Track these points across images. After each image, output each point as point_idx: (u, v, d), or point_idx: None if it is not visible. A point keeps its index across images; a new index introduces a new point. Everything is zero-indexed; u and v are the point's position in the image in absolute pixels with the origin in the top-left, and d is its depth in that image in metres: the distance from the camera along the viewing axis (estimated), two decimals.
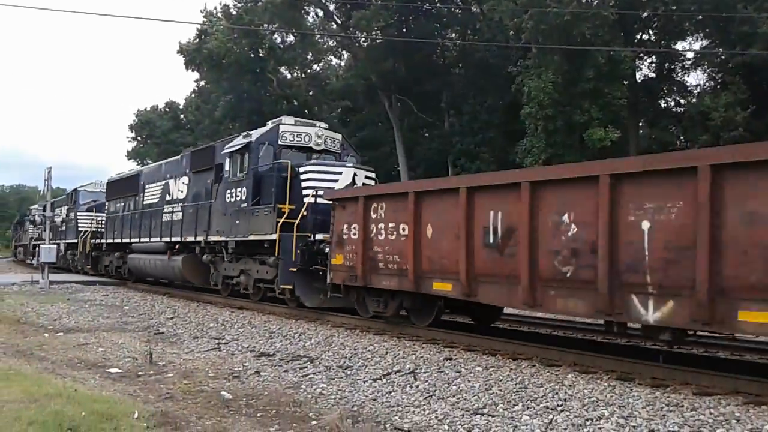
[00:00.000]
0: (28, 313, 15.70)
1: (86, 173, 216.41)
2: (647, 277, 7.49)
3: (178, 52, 42.76)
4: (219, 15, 43.21)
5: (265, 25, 41.25)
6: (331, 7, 39.93)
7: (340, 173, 14.85)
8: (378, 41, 36.42)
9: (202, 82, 52.09)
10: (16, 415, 5.95)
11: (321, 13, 41.35)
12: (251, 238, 15.34)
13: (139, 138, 74.98)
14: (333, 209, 12.96)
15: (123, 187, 25.41)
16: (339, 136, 17.49)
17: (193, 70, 44.79)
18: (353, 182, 14.72)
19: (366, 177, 15.26)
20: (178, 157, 21.35)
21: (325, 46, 45.03)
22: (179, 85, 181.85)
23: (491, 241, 9.45)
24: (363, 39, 37.91)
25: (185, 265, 18.76)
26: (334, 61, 49.74)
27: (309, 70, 48.17)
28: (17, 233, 61.28)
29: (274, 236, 14.22)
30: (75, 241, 29.85)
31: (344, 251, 12.45)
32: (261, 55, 43.39)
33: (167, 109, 71.89)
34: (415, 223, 10.77)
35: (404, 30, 36.26)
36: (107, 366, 9.45)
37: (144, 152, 76.35)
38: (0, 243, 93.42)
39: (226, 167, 16.83)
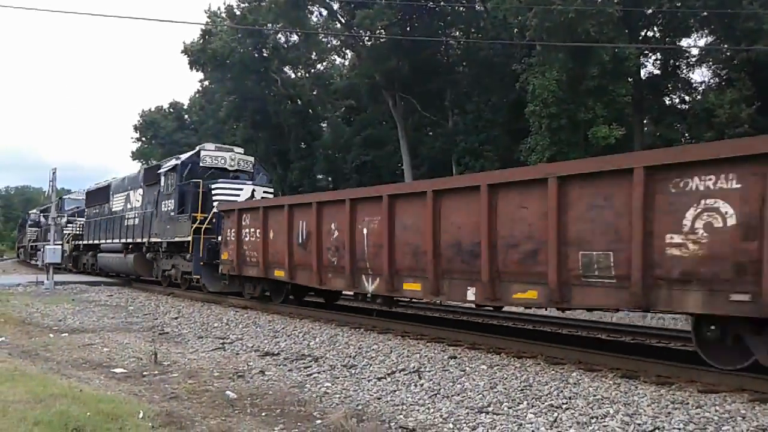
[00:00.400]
0: (33, 313, 15.76)
1: (91, 174, 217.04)
2: (367, 264, 11.87)
3: (182, 52, 42.91)
4: (223, 15, 43.28)
5: (269, 25, 41.28)
6: (335, 6, 39.94)
7: (241, 189, 18.90)
8: (382, 40, 36.38)
9: (207, 82, 52.25)
10: (21, 415, 5.97)
11: (325, 13, 41.36)
12: (176, 239, 19.22)
13: (143, 138, 75.24)
14: (222, 218, 17.18)
15: (97, 196, 29.02)
16: (251, 159, 21.42)
17: (197, 70, 44.92)
18: (252, 196, 18.58)
19: (264, 192, 19.31)
20: (137, 171, 25.20)
21: (328, 45, 45.06)
22: (184, 85, 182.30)
23: (300, 241, 13.74)
24: (367, 38, 37.89)
25: (135, 262, 22.75)
26: (338, 60, 49.83)
27: (313, 70, 48.22)
28: (21, 234, 61.80)
29: (190, 238, 18.17)
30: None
31: (228, 249, 16.66)
32: (265, 54, 43.46)
33: (171, 110, 72.13)
34: (264, 229, 15.08)
35: (408, 29, 36.20)
36: (112, 366, 9.47)
37: (148, 153, 76.54)
38: (6, 244, 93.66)
39: (162, 183, 20.68)
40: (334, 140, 44.07)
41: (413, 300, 13.72)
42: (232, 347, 11.30)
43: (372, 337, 11.52)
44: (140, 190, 23.09)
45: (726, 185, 6.95)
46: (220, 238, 17.42)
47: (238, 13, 42.88)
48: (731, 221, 6.90)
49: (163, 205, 20.43)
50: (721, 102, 25.78)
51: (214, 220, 17.95)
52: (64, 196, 32.94)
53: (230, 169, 20.12)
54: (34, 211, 52.94)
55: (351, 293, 13.32)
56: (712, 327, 7.54)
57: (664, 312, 10.92)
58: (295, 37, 43.55)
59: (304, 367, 9.44)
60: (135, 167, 62.25)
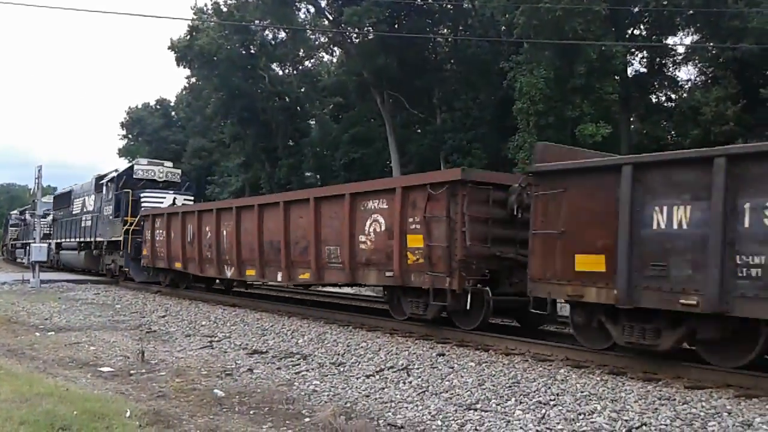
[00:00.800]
0: (19, 312, 15.64)
1: (78, 172, 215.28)
2: (227, 257, 16.28)
3: (169, 49, 42.55)
4: (210, 11, 43.02)
5: (257, 22, 41.08)
6: (323, 3, 39.75)
7: (165, 198, 22.91)
8: (370, 37, 36.31)
9: (194, 79, 51.83)
10: (7, 414, 5.92)
11: (312, 9, 41.16)
12: (113, 239, 23.38)
13: (130, 135, 74.77)
14: (143, 221, 21.34)
15: (62, 200, 32.60)
16: (179, 171, 26.16)
17: (184, 67, 44.58)
18: (173, 204, 22.23)
19: (185, 200, 23.21)
20: (91, 179, 27.87)
21: (316, 42, 44.81)
22: (171, 82, 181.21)
23: (189, 240, 18.10)
24: (355, 35, 37.80)
25: (86, 257, 27.35)
26: (326, 57, 49.62)
27: (301, 67, 47.99)
28: (5, 233, 61.69)
29: (122, 237, 22.36)
30: None
31: (146, 246, 20.94)
32: (252, 51, 43.22)
33: (158, 107, 71.72)
34: (167, 230, 19.38)
35: (396, 26, 36.13)
36: (99, 365, 9.42)
37: (135, 150, 76.00)
38: None
39: (104, 191, 24.82)
40: (323, 138, 43.90)
41: (254, 282, 18.11)
42: (220, 345, 11.26)
43: (361, 335, 11.53)
44: (93, 196, 26.62)
45: (381, 205, 11.77)
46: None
47: (224, 9, 42.63)
48: (383, 227, 11.66)
49: (105, 210, 24.55)
50: (707, 100, 25.93)
51: (142, 223, 21.60)
52: (35, 200, 34.23)
53: (159, 180, 24.33)
54: (15, 212, 53.49)
55: (261, 282, 17.92)
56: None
57: (363, 285, 14.88)
58: (282, 34, 43.32)
59: (292, 365, 9.43)
60: (122, 164, 61.96)
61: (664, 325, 7.92)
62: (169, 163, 26.27)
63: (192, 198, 24.46)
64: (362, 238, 12.02)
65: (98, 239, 25.00)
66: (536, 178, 9.36)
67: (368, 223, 11.90)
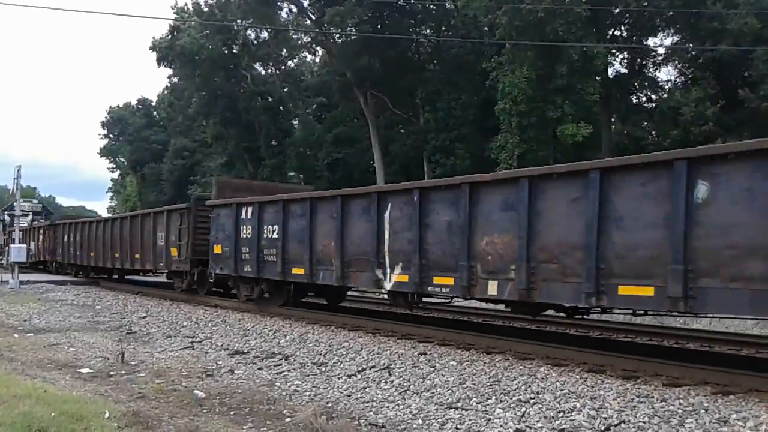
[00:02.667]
0: None
1: (57, 171, 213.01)
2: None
3: (150, 49, 42.32)
4: (191, 11, 42.79)
5: (238, 21, 40.93)
6: (305, 3, 39.70)
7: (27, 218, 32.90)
8: (352, 37, 36.31)
9: (175, 79, 51.50)
10: None
11: (295, 9, 41.11)
12: None
13: (111, 135, 74.15)
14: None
15: None
16: (41, 205, 34.74)
17: (166, 67, 44.35)
18: (31, 224, 33.21)
19: (41, 221, 31.69)
20: None
21: (299, 42, 44.73)
22: (152, 81, 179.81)
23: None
24: (337, 35, 37.78)
25: None
26: (309, 57, 49.54)
27: (283, 67, 47.85)
28: None
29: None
30: None
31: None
32: (234, 51, 43.06)
33: (140, 106, 71.14)
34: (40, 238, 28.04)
35: (379, 26, 36.15)
36: (78, 366, 9.32)
37: (116, 149, 75.39)
38: None
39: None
40: (306, 138, 43.80)
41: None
42: (201, 346, 11.20)
43: (342, 335, 11.51)
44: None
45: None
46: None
47: (205, 9, 42.44)
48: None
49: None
50: (687, 100, 26.25)
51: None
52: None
53: (28, 210, 34.10)
54: None
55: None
56: None
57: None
58: (265, 34, 43.21)
59: (274, 365, 9.40)
60: (103, 164, 61.31)
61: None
62: (36, 200, 36.28)
63: (46, 222, 32.34)
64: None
65: None
66: (196, 203, 17.19)
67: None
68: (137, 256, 20.08)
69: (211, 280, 16.17)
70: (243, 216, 14.37)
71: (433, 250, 9.90)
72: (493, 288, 8.97)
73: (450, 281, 9.59)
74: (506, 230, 8.82)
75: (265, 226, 13.69)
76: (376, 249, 10.81)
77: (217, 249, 15.35)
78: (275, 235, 13.36)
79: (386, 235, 10.70)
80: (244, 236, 14.32)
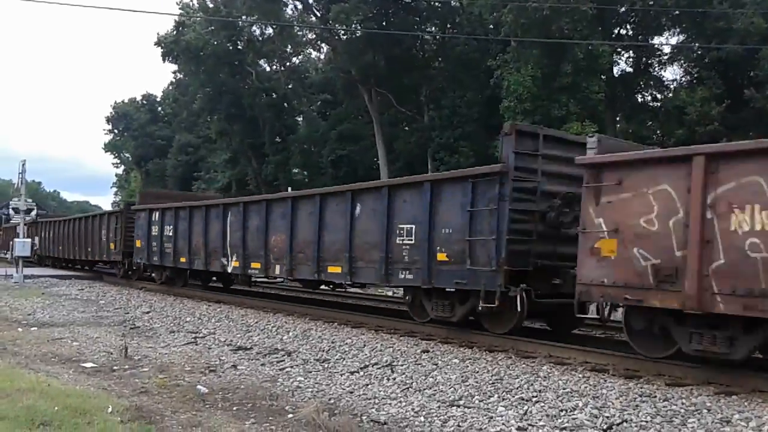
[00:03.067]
0: (1, 307, 15.49)
1: (60, 165, 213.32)
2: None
3: (155, 44, 42.29)
4: (196, 7, 42.77)
5: (243, 17, 40.89)
6: (310, 0, 39.66)
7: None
8: (357, 34, 36.24)
9: (180, 75, 51.46)
10: None
11: (300, 6, 41.02)
12: None
13: (115, 130, 74.18)
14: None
15: None
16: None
17: (170, 62, 44.34)
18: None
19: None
20: None
21: (304, 38, 44.66)
22: (157, 77, 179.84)
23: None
24: (342, 32, 37.71)
25: None
26: (314, 54, 49.45)
27: (288, 63, 47.77)
28: None
29: None
30: None
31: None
32: (239, 47, 43.02)
33: (144, 102, 71.12)
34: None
35: (384, 23, 36.06)
36: (82, 360, 9.35)
37: (121, 145, 75.43)
38: None
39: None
40: (310, 134, 43.74)
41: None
42: (205, 341, 11.22)
43: (345, 332, 11.53)
44: None
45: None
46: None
47: (211, 5, 42.39)
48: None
49: None
50: (692, 100, 26.11)
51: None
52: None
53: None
54: None
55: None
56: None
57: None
58: (269, 30, 43.14)
59: (276, 361, 9.42)
60: (108, 159, 61.39)
61: None
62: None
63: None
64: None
65: None
66: (126, 208, 22.02)
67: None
68: (89, 249, 25.27)
69: (136, 268, 20.96)
70: (153, 218, 19.19)
71: (249, 245, 14.91)
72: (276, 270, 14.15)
73: (259, 265, 14.50)
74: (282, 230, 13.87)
75: (165, 226, 18.49)
76: (222, 245, 15.82)
77: (138, 243, 20.01)
78: (170, 233, 18.28)
79: (228, 234, 15.65)
80: (154, 233, 19.07)
